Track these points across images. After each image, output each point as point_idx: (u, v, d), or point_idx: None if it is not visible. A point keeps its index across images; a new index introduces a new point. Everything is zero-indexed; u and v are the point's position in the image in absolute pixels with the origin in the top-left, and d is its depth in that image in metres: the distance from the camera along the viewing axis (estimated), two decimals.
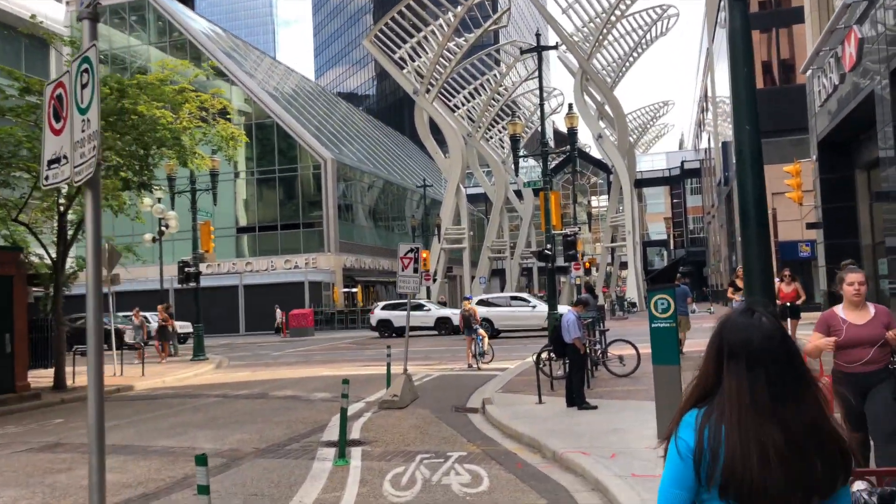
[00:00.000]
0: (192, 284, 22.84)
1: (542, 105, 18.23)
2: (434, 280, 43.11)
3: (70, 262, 25.99)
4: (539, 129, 19.99)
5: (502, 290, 65.33)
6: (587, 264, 42.97)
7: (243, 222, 49.05)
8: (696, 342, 19.31)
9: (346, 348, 27.12)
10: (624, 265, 62.44)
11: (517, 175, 29.41)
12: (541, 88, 17.88)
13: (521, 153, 20.26)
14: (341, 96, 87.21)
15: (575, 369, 10.81)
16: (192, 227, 23.75)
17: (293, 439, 9.70)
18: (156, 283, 41.27)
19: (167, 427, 10.92)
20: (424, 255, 42.32)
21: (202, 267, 46.63)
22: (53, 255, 16.36)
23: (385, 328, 32.27)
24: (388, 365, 14.13)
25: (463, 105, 61.36)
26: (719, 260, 63.28)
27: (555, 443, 8.38)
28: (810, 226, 17.49)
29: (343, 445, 8.21)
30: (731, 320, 1.97)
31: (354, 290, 46.36)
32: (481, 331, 17.54)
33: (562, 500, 6.47)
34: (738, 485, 1.79)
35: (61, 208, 15.65)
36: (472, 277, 51.88)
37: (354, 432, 10.02)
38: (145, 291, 37.69)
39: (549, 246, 18.77)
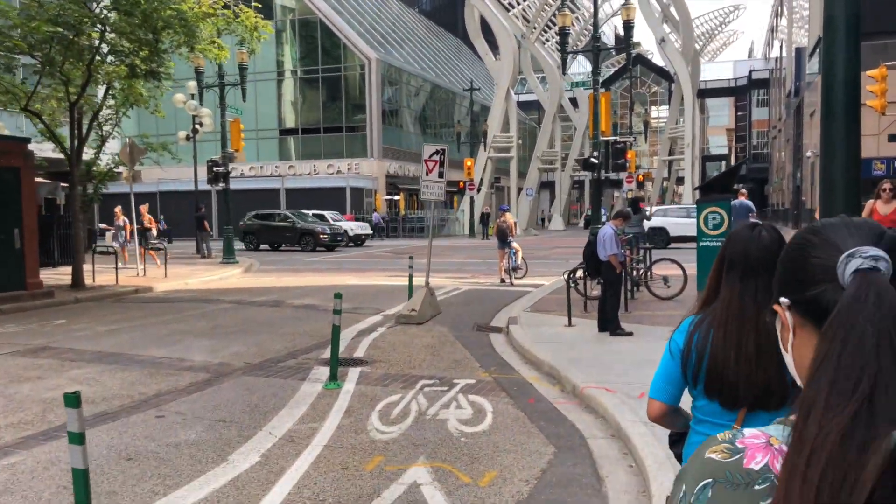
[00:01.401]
0: (221, 185, 22.05)
1: None
2: (478, 190, 41.75)
3: (106, 160, 25.45)
4: (598, 30, 18.04)
5: (551, 203, 63.52)
6: (641, 178, 40.84)
7: (286, 124, 48.02)
8: None
9: (382, 257, 26.34)
10: (681, 180, 59.77)
11: (564, 73, 27.24)
12: None
13: (570, 49, 18.37)
14: None
15: (610, 290, 9.61)
16: (221, 124, 22.76)
17: (291, 354, 8.85)
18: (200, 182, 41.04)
19: (166, 334, 10.21)
20: (469, 163, 40.93)
21: (245, 169, 46.43)
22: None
23: (659, 236, 26.42)
24: (410, 277, 13.16)
25: (518, 4, 58.02)
26: (782, 178, 60.01)
27: (577, 374, 7.31)
28: (893, 138, 15.48)
29: (335, 367, 7.29)
30: (734, 234, 2.09)
31: (397, 197, 45.33)
32: (515, 244, 16.36)
33: (574, 449, 5.43)
34: (717, 383, 2.01)
35: (72, 98, 14.74)
36: (520, 189, 50.27)
37: (360, 350, 9.13)
38: (186, 192, 37.33)
39: (595, 153, 17.21)
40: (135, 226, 19.73)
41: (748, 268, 2.00)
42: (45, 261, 20.44)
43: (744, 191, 15.23)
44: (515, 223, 18.18)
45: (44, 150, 24.71)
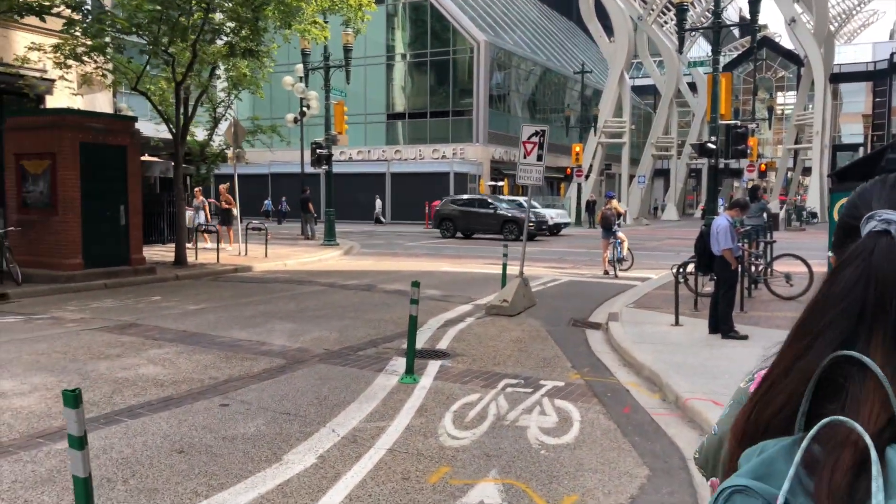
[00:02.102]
0: (324, 167, 22.12)
1: None
2: (587, 176, 40.41)
3: (219, 141, 26.07)
4: (720, 5, 16.51)
5: (665, 192, 60.86)
6: (763, 167, 38.19)
7: (394, 109, 48.20)
8: None
9: (481, 243, 25.77)
10: (808, 171, 55.75)
11: (681, 52, 25.54)
12: None
13: (688, 27, 17.03)
14: None
15: (723, 288, 8.62)
16: (325, 107, 22.79)
17: (373, 342, 8.43)
18: (307, 165, 41.80)
19: (250, 315, 10.06)
20: (577, 148, 39.62)
21: (353, 153, 47.01)
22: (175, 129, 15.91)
23: None
24: (504, 266, 12.52)
25: None
26: None
27: (681, 382, 6.47)
28: None
29: (411, 361, 6.77)
30: None
31: (500, 183, 44.54)
32: (621, 234, 15.36)
33: (672, 473, 4.66)
34: None
35: (178, 78, 14.96)
36: (632, 176, 48.38)
37: (444, 341, 8.60)
38: (295, 174, 38.05)
39: (713, 138, 15.89)
40: (237, 204, 19.87)
41: None
42: (156, 238, 21.19)
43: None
44: (626, 211, 17.20)
45: (161, 130, 25.65)
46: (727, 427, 0.97)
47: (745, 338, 8.38)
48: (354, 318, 10.05)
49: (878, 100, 68.77)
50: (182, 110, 15.90)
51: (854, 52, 72.88)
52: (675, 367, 7.08)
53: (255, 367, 7.14)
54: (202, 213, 19.92)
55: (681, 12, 16.17)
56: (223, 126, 29.46)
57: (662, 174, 61.30)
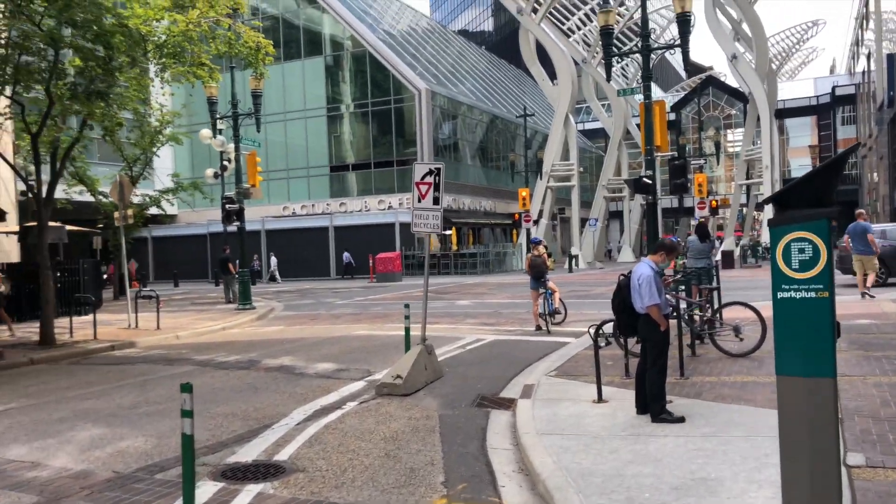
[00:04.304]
0: (236, 223, 20.06)
1: None
2: (536, 222, 38.88)
3: (138, 200, 23.97)
4: (647, 27, 15.17)
5: (621, 234, 59.76)
6: (714, 203, 37.17)
7: (337, 161, 46.53)
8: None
9: (419, 297, 23.75)
10: (761, 206, 55.20)
11: (609, 80, 24.19)
12: None
13: (617, 52, 15.57)
14: (460, 33, 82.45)
15: (651, 355, 6.71)
16: (236, 157, 20.86)
17: (196, 453, 6.31)
18: (255, 223, 39.49)
19: (60, 418, 7.86)
20: (523, 193, 38.20)
21: (296, 207, 45.02)
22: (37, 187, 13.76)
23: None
24: (407, 330, 10.48)
25: (578, 29, 55.46)
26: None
27: None
28: None
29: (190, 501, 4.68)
30: None
31: (448, 232, 42.81)
32: (551, 284, 13.51)
33: None
34: None
35: (32, 128, 12.90)
36: (584, 220, 47.08)
37: (292, 445, 6.51)
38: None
39: (649, 172, 14.26)
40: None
41: None
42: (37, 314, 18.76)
43: (861, 211, 12.31)
44: (550, 255, 15.38)
45: (68, 191, 23.33)
46: None
47: (681, 420, 6.45)
48: (197, 413, 7.90)
49: (822, 133, 69.30)
50: (52, 167, 13.85)
51: (797, 88, 73.91)
52: (581, 478, 5.10)
53: None
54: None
55: (606, 36, 14.71)
56: (143, 184, 27.14)
57: (618, 216, 60.38)
